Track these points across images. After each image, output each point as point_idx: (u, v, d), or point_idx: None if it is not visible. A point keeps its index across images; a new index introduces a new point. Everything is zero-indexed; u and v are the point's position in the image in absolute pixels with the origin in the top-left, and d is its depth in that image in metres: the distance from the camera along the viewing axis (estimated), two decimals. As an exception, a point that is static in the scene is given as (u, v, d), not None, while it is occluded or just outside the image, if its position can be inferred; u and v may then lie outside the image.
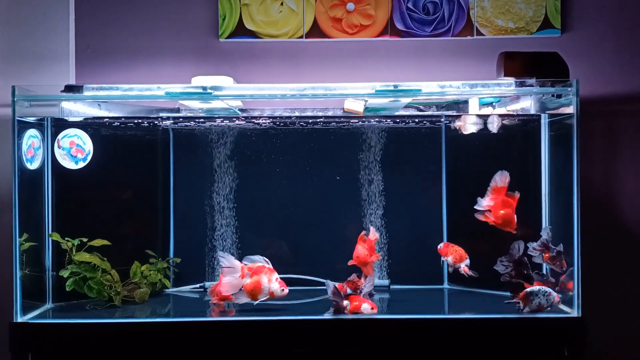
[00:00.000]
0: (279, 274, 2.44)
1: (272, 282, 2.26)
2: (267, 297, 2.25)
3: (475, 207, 2.34)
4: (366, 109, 2.52)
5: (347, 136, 2.71)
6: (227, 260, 2.30)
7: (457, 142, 2.67)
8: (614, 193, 2.74)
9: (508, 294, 2.32)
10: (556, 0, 2.73)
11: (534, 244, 2.31)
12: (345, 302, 2.19)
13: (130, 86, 2.29)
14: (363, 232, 2.45)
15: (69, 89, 2.32)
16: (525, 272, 2.23)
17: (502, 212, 2.32)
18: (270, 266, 2.29)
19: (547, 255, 2.31)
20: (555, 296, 2.22)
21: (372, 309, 2.19)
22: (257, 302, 2.26)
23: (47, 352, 2.15)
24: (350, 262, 2.42)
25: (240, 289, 2.28)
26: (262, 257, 2.31)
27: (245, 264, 2.29)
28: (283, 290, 2.27)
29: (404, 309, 2.22)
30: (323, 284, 2.48)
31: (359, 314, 2.18)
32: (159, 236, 2.71)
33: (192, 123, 2.68)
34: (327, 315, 2.17)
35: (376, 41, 2.79)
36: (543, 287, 2.23)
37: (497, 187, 2.33)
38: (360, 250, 2.42)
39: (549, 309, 2.21)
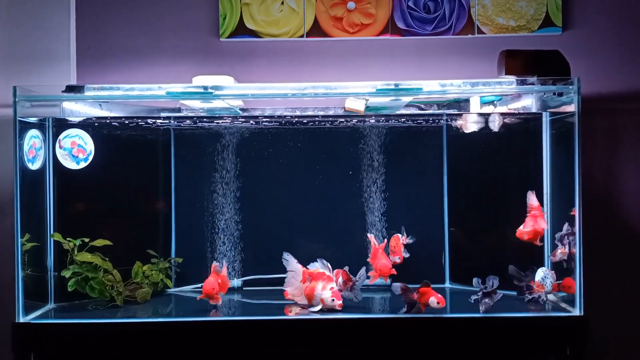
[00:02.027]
0: (279, 273, 2.45)
1: (325, 290, 2.21)
2: (320, 305, 2.21)
3: (522, 229, 2.36)
4: (367, 108, 2.52)
5: (348, 135, 2.71)
6: (289, 263, 2.29)
7: (458, 141, 2.67)
8: (616, 191, 2.73)
9: (510, 293, 2.33)
10: (557, -2, 2.74)
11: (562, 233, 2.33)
12: (417, 296, 2.18)
13: (131, 86, 2.30)
14: (379, 244, 2.41)
15: (70, 89, 2.33)
16: (487, 300, 2.22)
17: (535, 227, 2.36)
18: (331, 274, 2.26)
19: (563, 250, 2.32)
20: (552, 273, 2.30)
21: (439, 303, 2.15)
22: (312, 309, 2.23)
23: (49, 352, 2.15)
24: (372, 273, 2.39)
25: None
26: (326, 263, 2.28)
27: (307, 269, 2.29)
28: (334, 300, 2.19)
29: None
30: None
31: (428, 306, 2.16)
32: (161, 236, 2.71)
33: (193, 123, 2.68)
34: (400, 314, 2.17)
35: (377, 40, 2.79)
36: (542, 269, 2.29)
37: (532, 206, 2.36)
38: (385, 263, 2.36)
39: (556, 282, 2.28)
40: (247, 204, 2.72)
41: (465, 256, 2.65)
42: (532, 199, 2.36)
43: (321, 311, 2.22)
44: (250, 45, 2.80)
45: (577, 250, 2.18)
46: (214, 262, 2.37)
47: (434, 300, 2.15)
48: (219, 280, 2.32)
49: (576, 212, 2.18)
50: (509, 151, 2.60)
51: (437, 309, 2.15)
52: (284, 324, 2.15)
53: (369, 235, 2.47)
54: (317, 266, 2.29)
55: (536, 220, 2.34)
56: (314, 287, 2.23)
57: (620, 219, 2.73)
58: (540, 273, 2.29)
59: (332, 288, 2.22)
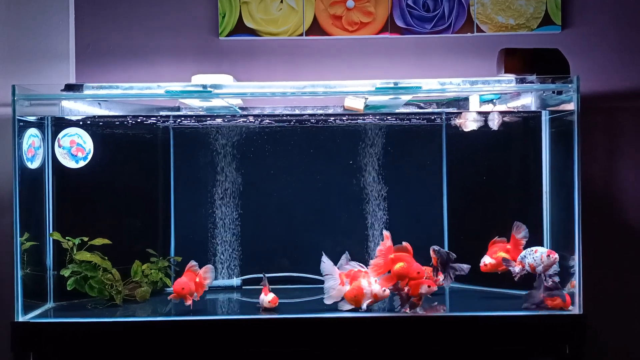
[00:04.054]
0: (280, 272, 2.44)
1: (373, 285, 2.20)
2: (372, 300, 2.20)
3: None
4: (366, 106, 2.52)
5: (348, 134, 2.71)
6: (326, 267, 2.25)
7: (457, 139, 2.67)
8: (615, 190, 2.73)
9: (509, 291, 2.34)
10: (557, -4, 2.73)
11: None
12: (407, 289, 2.18)
13: (130, 85, 2.29)
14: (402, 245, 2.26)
15: (69, 88, 2.32)
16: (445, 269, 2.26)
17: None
18: (366, 269, 2.25)
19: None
20: (545, 253, 2.23)
21: (430, 287, 2.16)
22: (363, 307, 2.20)
23: (48, 351, 2.15)
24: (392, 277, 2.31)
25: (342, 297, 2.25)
26: (357, 263, 2.26)
27: (342, 272, 2.26)
28: (385, 291, 2.19)
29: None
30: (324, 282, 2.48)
31: (422, 295, 2.17)
32: (160, 235, 2.71)
33: (192, 121, 2.68)
34: (399, 312, 2.18)
35: (376, 38, 2.79)
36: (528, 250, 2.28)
37: (510, 240, 2.37)
38: (416, 267, 2.21)
39: (540, 267, 2.23)
40: (246, 203, 2.72)
41: (464, 255, 2.65)
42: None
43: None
44: (249, 44, 2.80)
45: (576, 250, 2.18)
46: (191, 261, 2.30)
47: (424, 287, 2.16)
48: (197, 279, 2.27)
49: (576, 210, 2.19)
50: (509, 150, 2.60)
51: (429, 292, 2.16)
52: (284, 323, 2.15)
53: (385, 232, 2.28)
54: (347, 268, 2.26)
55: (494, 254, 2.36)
56: (359, 285, 2.21)
57: (620, 217, 2.73)
58: (523, 253, 2.29)
59: (376, 281, 2.22)
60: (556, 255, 2.23)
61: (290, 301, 2.39)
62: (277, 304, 2.27)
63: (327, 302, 2.23)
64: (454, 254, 2.25)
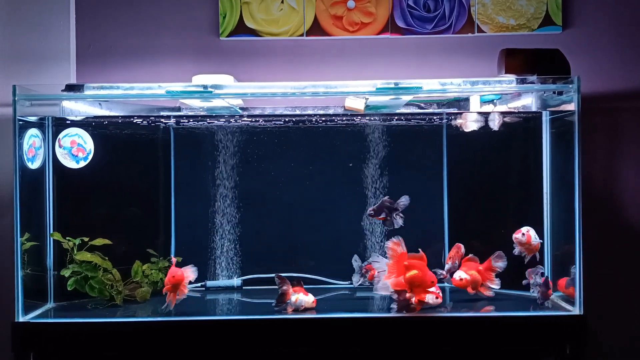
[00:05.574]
0: (282, 272, 2.44)
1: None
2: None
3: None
4: (367, 106, 2.52)
5: (348, 134, 2.71)
6: (380, 263, 2.21)
7: (458, 139, 2.67)
8: (616, 190, 2.73)
9: (509, 291, 2.33)
10: (557, -4, 2.73)
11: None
12: (409, 295, 2.15)
13: (131, 85, 2.29)
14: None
15: (69, 88, 2.32)
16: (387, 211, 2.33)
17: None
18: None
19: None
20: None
21: (437, 298, 2.15)
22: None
23: (49, 351, 2.15)
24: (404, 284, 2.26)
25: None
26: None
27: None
28: (437, 298, 2.17)
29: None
30: (326, 282, 2.48)
31: (425, 304, 2.15)
32: (160, 235, 2.71)
33: (193, 122, 2.68)
34: (398, 313, 2.16)
35: (377, 39, 2.79)
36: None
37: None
38: (430, 276, 2.19)
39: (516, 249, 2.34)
40: (246, 203, 2.72)
41: (465, 254, 2.65)
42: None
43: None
44: (250, 44, 2.80)
45: (576, 250, 2.18)
46: (174, 257, 2.27)
47: (431, 297, 2.15)
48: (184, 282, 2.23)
49: (576, 211, 2.19)
50: (509, 150, 2.60)
51: (437, 304, 2.15)
52: (284, 323, 2.15)
53: (397, 239, 2.19)
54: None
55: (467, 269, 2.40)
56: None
57: (621, 217, 2.73)
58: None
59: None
60: (517, 236, 2.32)
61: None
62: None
63: (379, 292, 2.20)
64: (387, 196, 2.28)
